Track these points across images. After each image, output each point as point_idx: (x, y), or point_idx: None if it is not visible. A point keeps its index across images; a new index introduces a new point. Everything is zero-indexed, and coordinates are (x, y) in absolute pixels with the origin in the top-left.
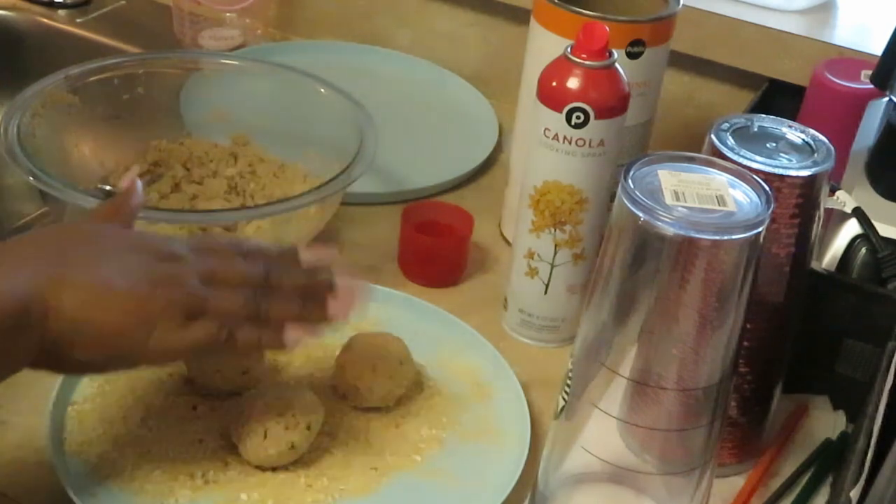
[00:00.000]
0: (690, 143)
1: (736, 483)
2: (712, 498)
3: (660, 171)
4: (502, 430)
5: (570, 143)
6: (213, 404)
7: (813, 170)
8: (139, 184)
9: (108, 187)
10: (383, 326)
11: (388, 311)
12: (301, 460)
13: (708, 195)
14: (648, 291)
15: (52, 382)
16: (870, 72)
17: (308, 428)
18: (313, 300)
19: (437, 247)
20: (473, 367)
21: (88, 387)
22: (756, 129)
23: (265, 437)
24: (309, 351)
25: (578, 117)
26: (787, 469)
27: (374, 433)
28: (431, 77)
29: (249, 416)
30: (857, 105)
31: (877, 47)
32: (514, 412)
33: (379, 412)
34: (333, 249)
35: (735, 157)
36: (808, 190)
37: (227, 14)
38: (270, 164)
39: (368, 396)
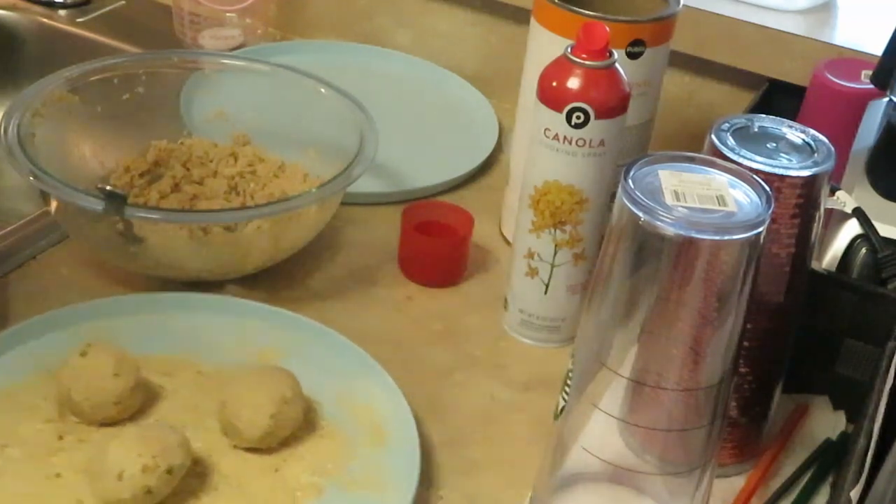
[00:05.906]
0: (690, 143)
1: (736, 483)
2: (712, 498)
3: (660, 171)
4: (389, 483)
5: (570, 143)
6: (82, 435)
7: (813, 170)
8: None
9: (108, 187)
10: (278, 354)
11: (281, 336)
12: None
13: (708, 195)
14: (648, 291)
15: None
16: (870, 72)
17: (169, 472)
18: None
19: (437, 247)
20: (372, 405)
21: None
22: (756, 130)
23: (120, 478)
24: (201, 380)
25: (578, 117)
26: (787, 469)
27: (249, 477)
28: (431, 77)
29: (106, 454)
30: (857, 105)
31: (877, 47)
32: (404, 462)
33: (260, 453)
34: None
35: (735, 158)
36: (809, 190)
37: (227, 14)
38: (270, 164)
39: (248, 436)
